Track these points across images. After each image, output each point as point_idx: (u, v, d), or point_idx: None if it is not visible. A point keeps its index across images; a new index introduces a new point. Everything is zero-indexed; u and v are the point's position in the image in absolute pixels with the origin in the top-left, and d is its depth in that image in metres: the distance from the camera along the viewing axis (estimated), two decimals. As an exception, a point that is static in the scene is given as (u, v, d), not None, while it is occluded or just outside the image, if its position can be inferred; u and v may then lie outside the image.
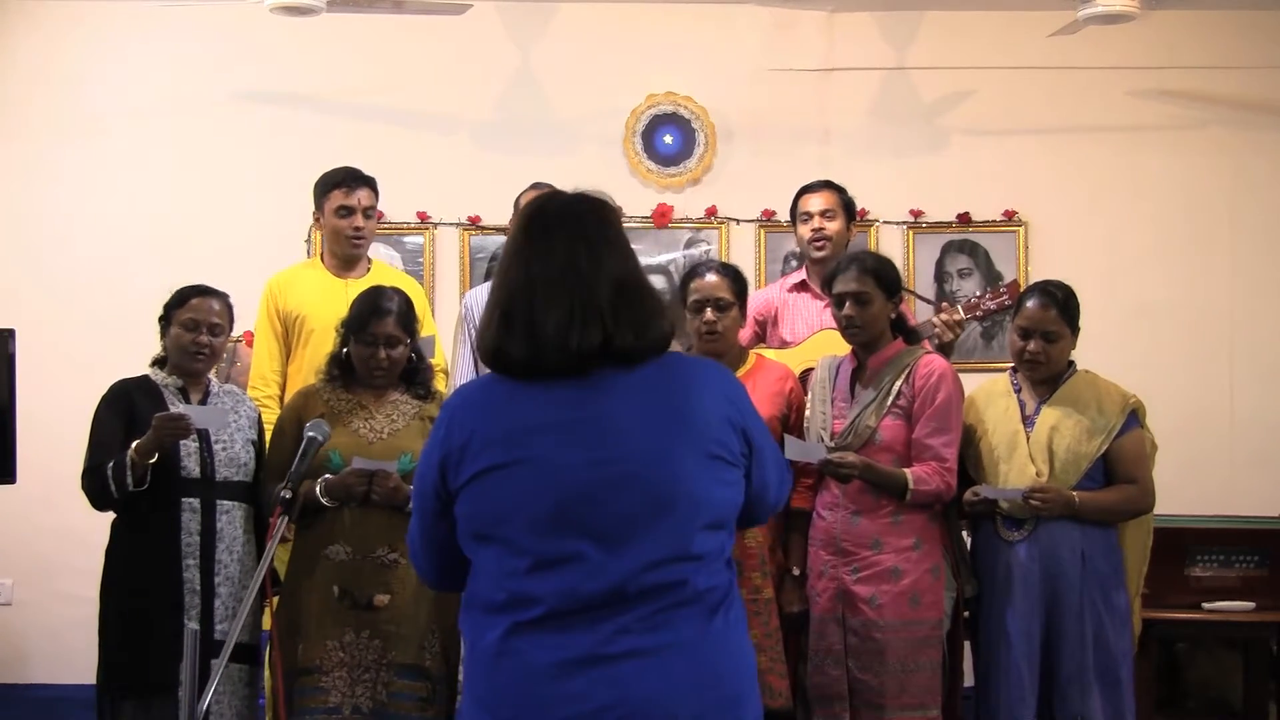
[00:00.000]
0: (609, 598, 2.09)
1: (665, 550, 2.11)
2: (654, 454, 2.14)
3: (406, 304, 3.73)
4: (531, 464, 2.13)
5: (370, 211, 4.42)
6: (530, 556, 2.11)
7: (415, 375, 3.76)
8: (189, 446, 3.65)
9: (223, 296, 3.83)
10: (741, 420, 2.24)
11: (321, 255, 4.53)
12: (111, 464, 3.57)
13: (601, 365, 2.16)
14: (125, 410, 3.68)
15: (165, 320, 3.79)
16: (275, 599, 3.58)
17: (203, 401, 3.76)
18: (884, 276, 3.79)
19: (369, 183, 4.43)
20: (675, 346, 2.37)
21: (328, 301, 4.20)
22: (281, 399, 4.27)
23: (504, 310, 2.19)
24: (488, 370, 2.26)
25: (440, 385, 4.21)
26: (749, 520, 2.37)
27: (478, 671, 2.17)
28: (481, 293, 4.65)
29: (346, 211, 4.38)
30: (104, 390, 3.76)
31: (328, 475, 3.56)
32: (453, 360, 4.59)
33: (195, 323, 3.73)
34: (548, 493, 2.11)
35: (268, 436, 3.87)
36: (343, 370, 3.72)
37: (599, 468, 2.12)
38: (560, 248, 2.20)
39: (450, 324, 4.71)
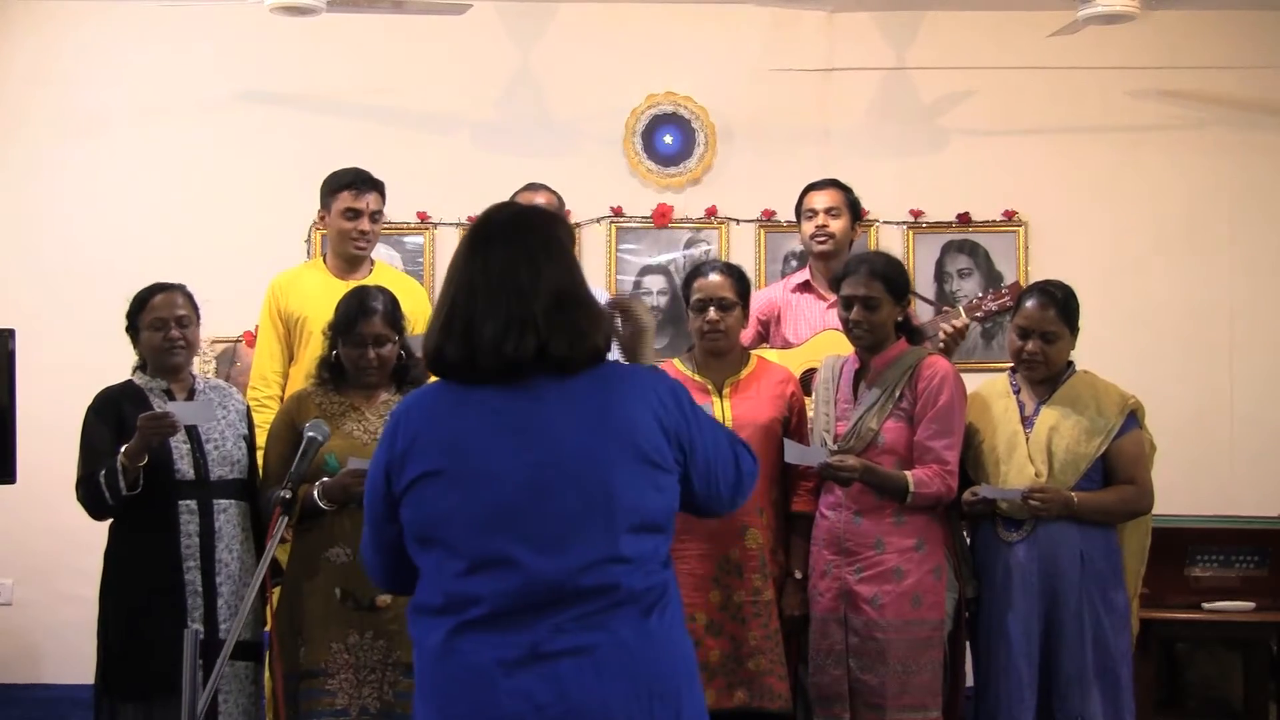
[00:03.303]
0: (544, 599, 2.15)
1: (595, 554, 2.17)
2: (585, 459, 2.20)
3: (392, 302, 3.73)
4: (468, 469, 2.20)
5: (377, 216, 4.41)
6: (466, 559, 2.18)
7: (406, 374, 3.76)
8: (181, 449, 3.64)
9: (181, 288, 3.79)
10: (676, 424, 2.29)
11: (324, 256, 4.52)
12: (103, 471, 3.55)
13: (538, 373, 2.23)
14: (114, 417, 3.66)
15: (132, 328, 3.76)
16: (276, 592, 3.58)
17: (188, 399, 3.73)
18: (893, 281, 3.78)
19: (378, 187, 4.42)
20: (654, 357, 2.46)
21: (330, 303, 4.15)
22: (283, 399, 4.26)
23: (446, 315, 2.27)
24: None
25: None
26: (710, 512, 2.41)
27: (424, 671, 2.24)
28: None
29: (353, 214, 4.36)
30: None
31: (325, 479, 3.56)
32: None
33: (162, 320, 3.71)
34: (482, 497, 2.18)
35: (259, 432, 3.88)
36: (333, 373, 3.73)
37: (532, 472, 2.19)
38: (502, 257, 2.27)
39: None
